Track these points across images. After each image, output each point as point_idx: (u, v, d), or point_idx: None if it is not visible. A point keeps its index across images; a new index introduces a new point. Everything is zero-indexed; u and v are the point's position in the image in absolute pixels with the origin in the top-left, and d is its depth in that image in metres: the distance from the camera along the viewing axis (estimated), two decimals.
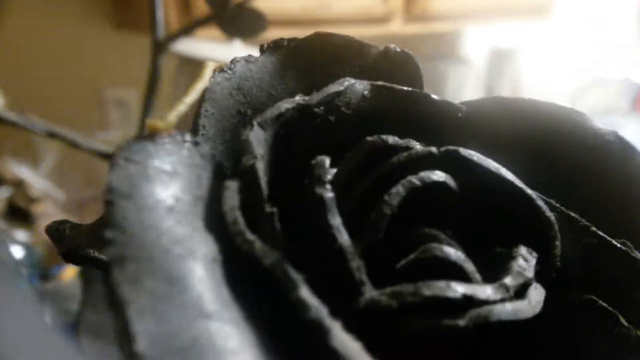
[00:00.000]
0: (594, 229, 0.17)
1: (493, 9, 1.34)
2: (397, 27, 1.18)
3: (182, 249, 0.11)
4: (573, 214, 0.17)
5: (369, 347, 0.12)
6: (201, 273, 0.11)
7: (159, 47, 0.47)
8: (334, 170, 0.16)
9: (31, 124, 0.40)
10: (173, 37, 0.47)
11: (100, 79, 1.25)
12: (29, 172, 1.13)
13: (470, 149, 0.17)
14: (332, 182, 0.16)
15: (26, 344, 0.09)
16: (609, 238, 0.17)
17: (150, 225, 0.11)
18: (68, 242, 0.19)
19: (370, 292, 0.14)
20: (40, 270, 0.84)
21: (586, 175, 0.19)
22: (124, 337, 0.10)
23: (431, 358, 0.14)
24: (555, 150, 0.19)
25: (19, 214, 1.03)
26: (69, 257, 0.19)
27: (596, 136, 0.19)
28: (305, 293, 0.11)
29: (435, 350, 0.14)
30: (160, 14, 0.48)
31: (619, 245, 0.17)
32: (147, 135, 0.13)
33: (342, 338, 0.11)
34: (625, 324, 0.15)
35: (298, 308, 0.11)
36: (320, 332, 0.11)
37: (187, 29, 0.47)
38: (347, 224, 0.15)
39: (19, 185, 1.12)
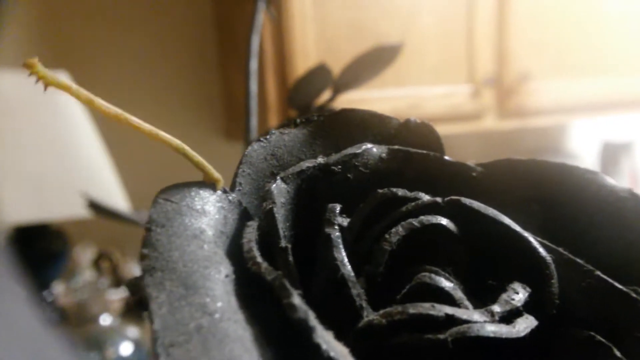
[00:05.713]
0: (598, 272, 0.18)
1: (602, 103, 1.30)
2: (490, 123, 1.20)
3: (198, 266, 0.15)
4: (577, 259, 0.18)
5: None
6: (212, 284, 0.14)
7: None
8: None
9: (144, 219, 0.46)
10: None
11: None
12: None
13: (487, 205, 0.19)
14: (346, 228, 0.18)
15: (19, 343, 0.11)
16: (611, 281, 0.18)
17: (176, 247, 0.15)
18: (141, 292, 0.23)
19: (368, 315, 0.16)
20: None
21: (601, 229, 0.20)
22: (149, 321, 0.13)
23: None
24: (571, 205, 0.20)
25: (134, 312, 1.11)
26: (140, 305, 0.23)
27: (611, 192, 0.20)
28: (296, 300, 0.14)
29: None
30: (253, 120, 0.55)
31: (622, 288, 0.17)
32: (183, 183, 0.16)
33: (326, 336, 0.14)
34: (619, 355, 0.16)
35: (288, 310, 0.14)
36: (306, 330, 0.13)
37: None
38: (359, 264, 0.18)
39: None
